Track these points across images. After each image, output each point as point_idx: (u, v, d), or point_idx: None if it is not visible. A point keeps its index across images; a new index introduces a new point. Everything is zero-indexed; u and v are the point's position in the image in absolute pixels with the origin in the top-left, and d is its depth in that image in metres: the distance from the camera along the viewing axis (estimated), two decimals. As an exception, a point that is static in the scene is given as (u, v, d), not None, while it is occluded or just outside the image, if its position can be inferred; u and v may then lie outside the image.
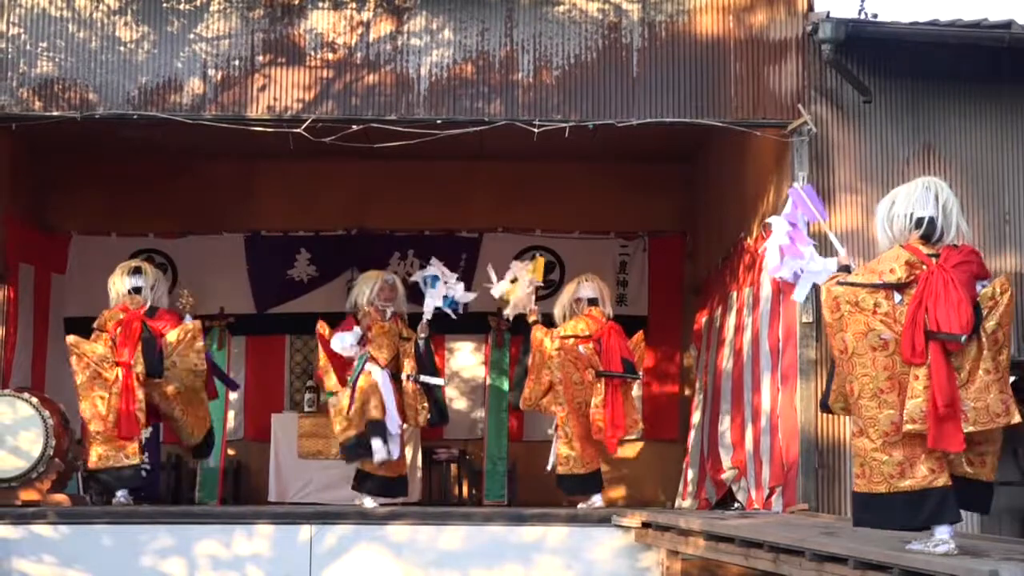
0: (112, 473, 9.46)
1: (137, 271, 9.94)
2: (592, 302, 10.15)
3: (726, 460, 10.41)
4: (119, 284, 9.86)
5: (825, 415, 8.81)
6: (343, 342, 9.80)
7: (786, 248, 7.35)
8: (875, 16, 10.03)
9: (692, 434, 11.66)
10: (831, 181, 9.24)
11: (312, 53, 9.41)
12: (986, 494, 5.92)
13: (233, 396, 12.46)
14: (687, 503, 11.19)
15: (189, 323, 9.81)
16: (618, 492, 12.42)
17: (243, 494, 12.28)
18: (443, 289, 10.39)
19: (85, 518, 8.74)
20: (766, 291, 9.71)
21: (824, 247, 7.94)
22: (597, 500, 9.94)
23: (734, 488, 10.17)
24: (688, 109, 9.41)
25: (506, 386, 11.70)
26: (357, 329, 9.78)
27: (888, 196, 6.13)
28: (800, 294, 7.96)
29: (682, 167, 13.08)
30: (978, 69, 9.30)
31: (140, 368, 9.49)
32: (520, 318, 10.54)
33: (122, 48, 9.35)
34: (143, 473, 9.72)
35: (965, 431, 5.72)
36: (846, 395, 6.00)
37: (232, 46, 9.40)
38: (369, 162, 11.15)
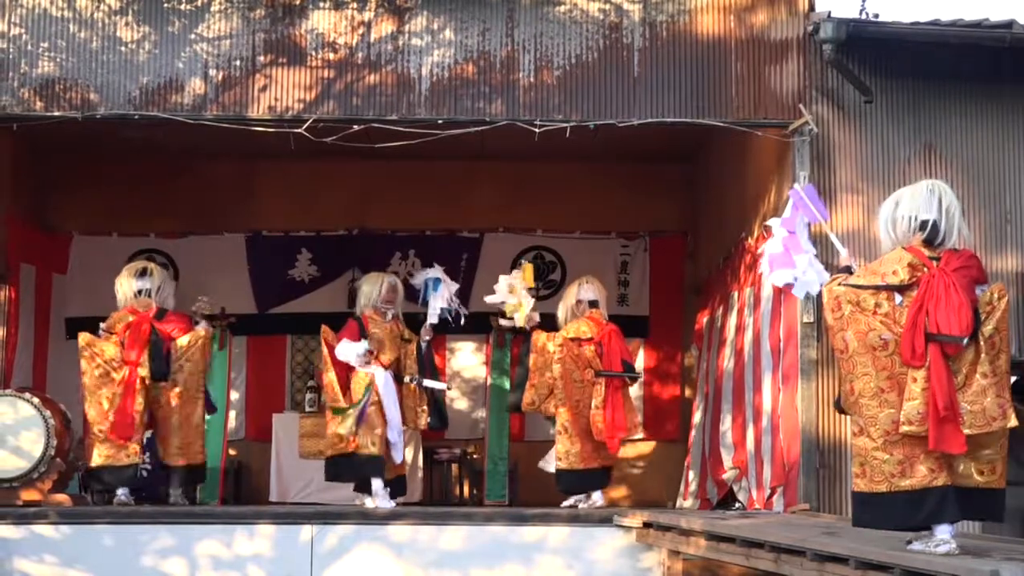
0: (112, 472, 9.47)
1: (144, 272, 9.94)
2: (593, 304, 10.17)
3: (727, 460, 10.41)
4: (126, 286, 9.87)
5: (826, 416, 8.82)
6: (350, 353, 9.70)
7: (776, 258, 7.35)
8: (876, 16, 10.04)
9: (693, 434, 11.67)
10: (832, 181, 9.24)
11: (313, 53, 9.41)
12: (999, 502, 5.91)
13: (234, 396, 12.48)
14: (688, 503, 11.19)
15: (202, 330, 9.83)
16: (619, 492, 12.42)
17: (244, 494, 12.28)
18: (446, 291, 10.39)
19: (86, 518, 8.74)
20: (767, 291, 9.71)
21: (825, 248, 7.96)
22: (598, 498, 9.94)
23: (735, 488, 10.17)
24: (689, 109, 9.41)
25: (507, 386, 11.70)
26: (365, 342, 9.72)
27: (892, 197, 6.13)
28: (800, 291, 7.96)
29: (683, 167, 13.08)
30: (979, 69, 9.30)
31: (146, 371, 9.50)
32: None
33: (123, 48, 9.35)
34: (143, 473, 9.74)
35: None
36: (847, 395, 6.01)
37: (233, 46, 9.40)
38: (370, 162, 11.15)
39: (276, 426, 12.11)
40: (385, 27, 9.44)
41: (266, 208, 13.05)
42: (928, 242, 5.96)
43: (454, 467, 12.43)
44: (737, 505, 10.09)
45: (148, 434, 9.77)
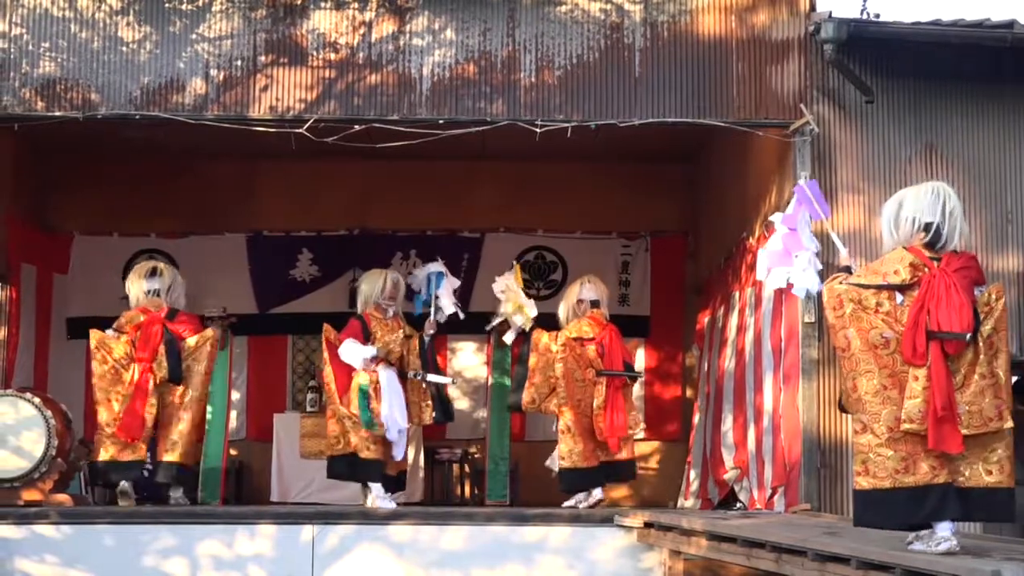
0: (117, 469, 9.51)
1: (154, 272, 9.96)
2: (594, 304, 10.18)
3: (728, 460, 10.41)
4: (136, 286, 9.88)
5: (827, 416, 8.82)
6: (356, 356, 9.68)
7: (774, 256, 7.36)
8: (877, 16, 10.06)
9: (694, 434, 11.67)
10: (833, 181, 9.23)
11: (314, 53, 9.41)
12: (1009, 501, 5.92)
13: (236, 396, 12.48)
14: (689, 503, 11.19)
15: (209, 331, 9.84)
16: (621, 492, 12.42)
17: (245, 494, 12.28)
18: (450, 285, 10.41)
19: (87, 518, 8.74)
20: (768, 291, 9.70)
21: (826, 246, 7.96)
22: (597, 493, 9.96)
23: (736, 488, 10.17)
24: (690, 109, 9.41)
25: (508, 385, 11.68)
26: (374, 349, 9.70)
27: (895, 197, 6.15)
28: (799, 292, 7.97)
29: (684, 167, 13.08)
30: (980, 69, 9.30)
31: (164, 372, 9.52)
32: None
33: (124, 48, 9.35)
34: (144, 473, 9.74)
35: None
36: (848, 393, 6.02)
37: (234, 46, 9.40)
38: (371, 162, 11.14)
39: (277, 426, 12.12)
40: (386, 27, 9.44)
41: (267, 208, 13.05)
42: (930, 244, 5.98)
43: (455, 467, 12.43)
44: (738, 505, 10.08)
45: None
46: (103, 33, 9.37)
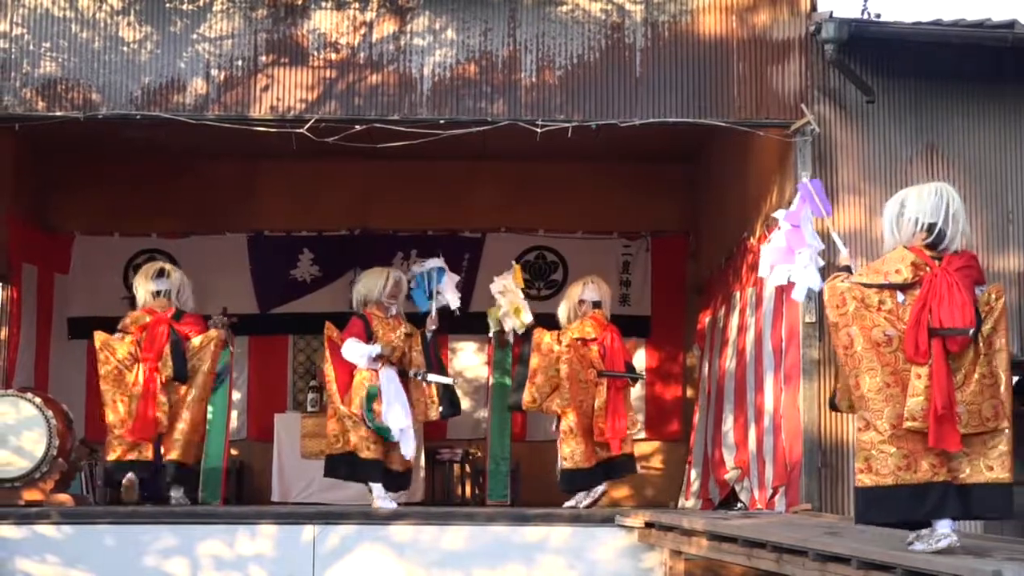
0: (122, 468, 9.52)
1: (161, 273, 9.96)
2: (596, 305, 10.18)
3: (729, 460, 10.41)
4: (143, 288, 9.89)
5: (828, 416, 8.81)
6: (359, 355, 9.67)
7: (776, 253, 7.36)
8: (878, 16, 10.04)
9: (695, 434, 11.67)
10: (834, 181, 9.23)
11: (315, 53, 9.41)
12: (1008, 496, 5.93)
13: (236, 396, 12.47)
14: (690, 503, 11.19)
15: (213, 332, 9.85)
16: (621, 492, 12.42)
17: (246, 494, 12.28)
18: (451, 280, 10.42)
19: (88, 518, 8.75)
20: (769, 291, 9.71)
21: (828, 246, 7.96)
22: (599, 488, 9.97)
23: (737, 488, 10.17)
24: (691, 109, 9.41)
25: (509, 384, 11.68)
26: (378, 347, 9.69)
27: (898, 196, 6.16)
28: (799, 293, 7.98)
29: (685, 167, 13.07)
30: (981, 69, 9.30)
31: (168, 372, 9.53)
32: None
33: (125, 48, 9.35)
34: (151, 472, 9.75)
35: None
36: (851, 391, 6.03)
37: (235, 46, 9.40)
38: (372, 162, 11.15)
39: (278, 426, 12.12)
40: (387, 27, 9.44)
41: (268, 208, 13.06)
42: (932, 245, 6.00)
43: (456, 467, 12.42)
44: (739, 505, 10.08)
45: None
46: (104, 33, 9.37)
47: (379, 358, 9.66)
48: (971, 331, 5.82)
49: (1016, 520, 9.31)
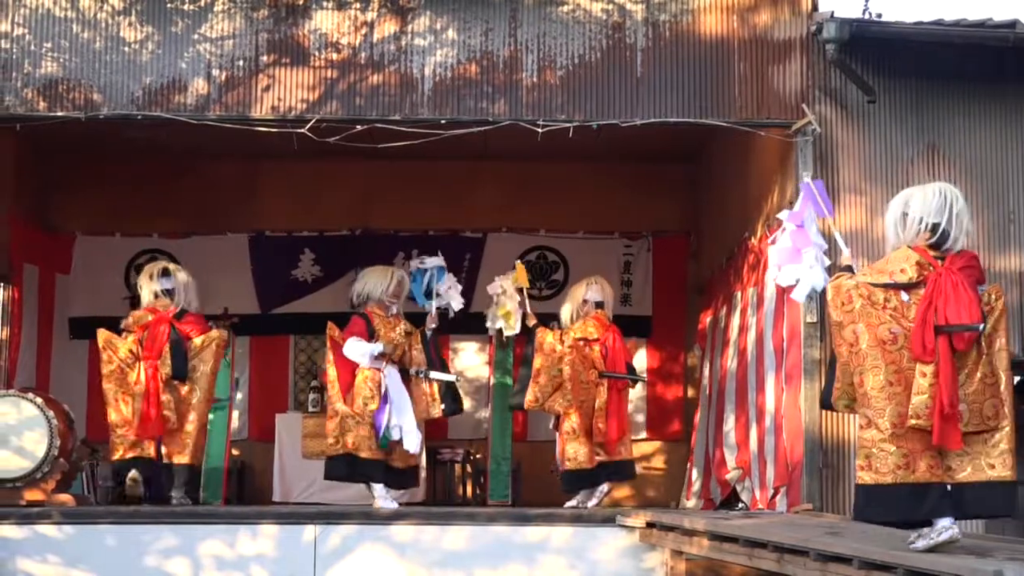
0: (126, 467, 9.54)
1: (165, 273, 9.96)
2: (598, 305, 10.19)
3: (730, 460, 10.41)
4: (146, 287, 9.88)
5: (829, 415, 8.81)
6: (362, 353, 9.66)
7: (784, 253, 7.37)
8: (879, 16, 10.05)
9: (696, 434, 11.66)
10: (835, 181, 9.22)
11: (316, 53, 9.41)
12: (1010, 494, 5.94)
13: (238, 396, 12.48)
14: (691, 503, 11.19)
15: (215, 332, 9.85)
16: (622, 492, 12.42)
17: (247, 494, 12.28)
18: (451, 280, 10.43)
19: (89, 518, 8.74)
20: (770, 291, 9.71)
21: (830, 246, 7.97)
22: (604, 487, 9.98)
23: (738, 488, 10.17)
24: (692, 109, 9.40)
25: (511, 384, 11.69)
26: (380, 345, 9.69)
27: (901, 196, 6.16)
28: (800, 294, 7.99)
29: (686, 167, 13.07)
30: (983, 69, 9.29)
31: (167, 370, 9.53)
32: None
33: (126, 48, 9.35)
34: (153, 470, 9.76)
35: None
36: (853, 389, 6.04)
37: (236, 46, 9.40)
38: (373, 162, 11.15)
39: (279, 426, 12.12)
40: (388, 27, 9.44)
41: (269, 208, 13.06)
42: (935, 245, 6.01)
43: (457, 467, 12.42)
44: (740, 505, 10.08)
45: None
46: (105, 33, 9.37)
47: (381, 356, 9.66)
48: (980, 326, 5.84)
49: (1017, 520, 9.32)
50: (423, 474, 11.76)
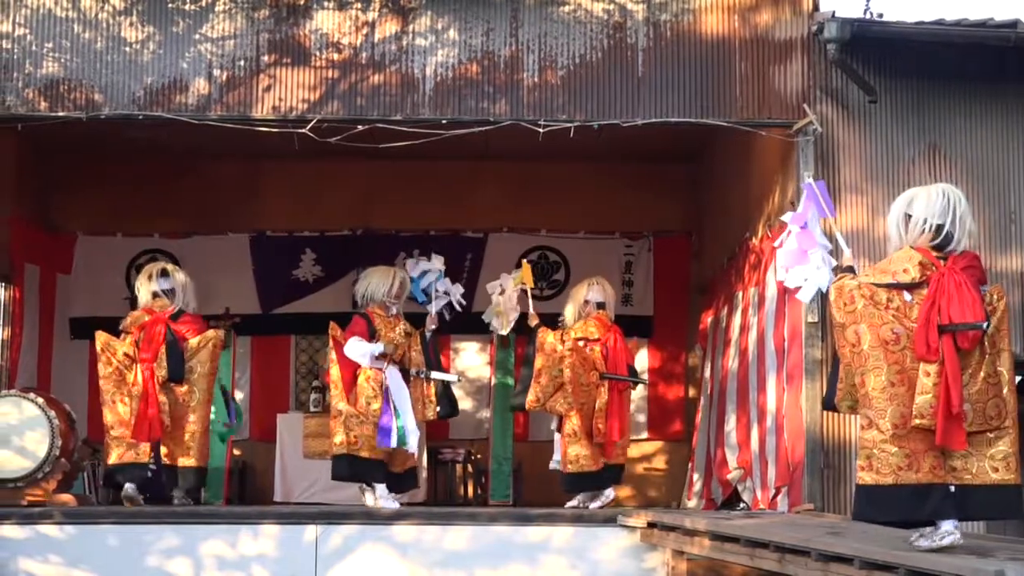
0: (124, 471, 9.50)
1: (164, 274, 9.94)
2: (600, 306, 10.20)
3: (732, 460, 10.41)
4: (144, 287, 9.88)
5: (830, 415, 8.81)
6: (363, 353, 9.65)
7: (791, 255, 7.37)
8: (880, 16, 10.02)
9: (697, 434, 11.66)
10: (836, 181, 9.22)
11: (317, 53, 9.41)
12: (1015, 498, 5.94)
13: (239, 396, 12.49)
14: (693, 503, 11.19)
15: (211, 332, 9.84)
16: (624, 492, 12.42)
17: (248, 494, 12.29)
18: (448, 283, 10.45)
19: (91, 518, 8.74)
20: (771, 291, 9.71)
21: (833, 247, 7.97)
22: (609, 493, 9.98)
23: (739, 488, 10.17)
24: (693, 109, 9.41)
25: (512, 384, 11.69)
26: (381, 345, 9.68)
27: (904, 196, 6.16)
28: (806, 294, 7.99)
29: (687, 167, 13.08)
30: (984, 69, 9.29)
31: (163, 371, 9.51)
32: (522, 319, 10.61)
33: (127, 48, 9.36)
34: (148, 474, 9.74)
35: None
36: (855, 390, 6.04)
37: (237, 46, 9.40)
38: (374, 162, 11.16)
39: (280, 426, 12.12)
40: (389, 27, 9.44)
41: (270, 208, 13.07)
42: (938, 246, 6.01)
43: (458, 467, 12.43)
44: (741, 505, 10.08)
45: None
46: (106, 33, 9.37)
47: (382, 356, 9.66)
48: (984, 325, 5.84)
49: (1019, 520, 9.32)
50: (424, 474, 11.79)
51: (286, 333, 13.11)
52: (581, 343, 10.01)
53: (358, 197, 13.07)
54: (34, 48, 9.33)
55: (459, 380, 10.83)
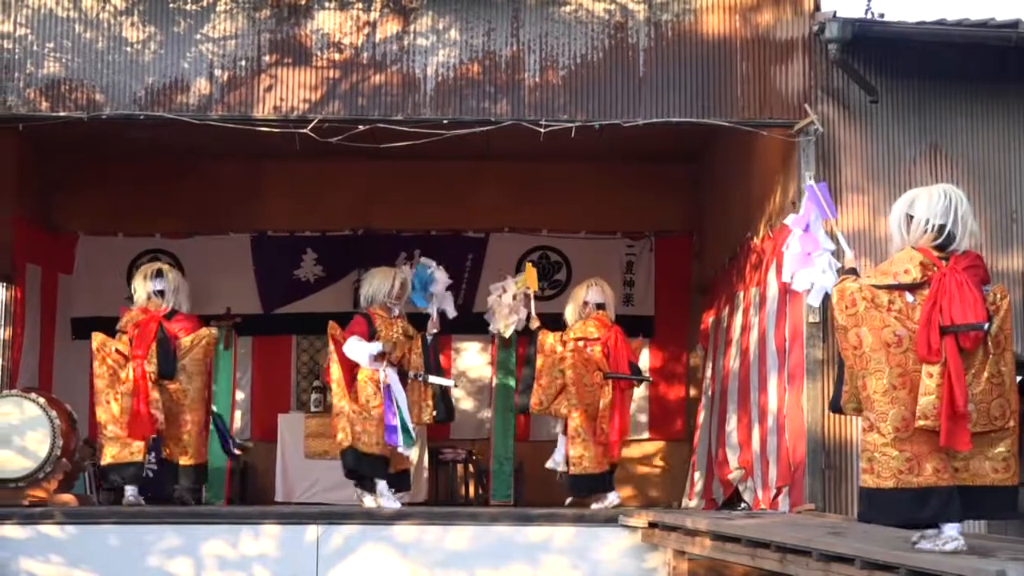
0: (118, 470, 9.49)
1: (159, 274, 9.95)
2: (599, 307, 10.20)
3: (733, 460, 10.40)
4: (140, 287, 9.88)
5: (831, 416, 8.81)
6: (361, 352, 9.64)
7: (795, 259, 7.37)
8: (882, 15, 10.02)
9: (698, 434, 11.66)
10: (838, 181, 9.22)
11: (318, 53, 9.41)
12: (1013, 499, 5.95)
13: (240, 396, 12.49)
14: (694, 503, 11.19)
15: (204, 330, 9.84)
16: (625, 492, 12.42)
17: (249, 494, 12.28)
18: (443, 285, 10.46)
19: (92, 518, 8.75)
20: (773, 291, 9.71)
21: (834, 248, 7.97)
22: (614, 498, 9.97)
23: (741, 488, 10.17)
24: (694, 109, 9.40)
25: (513, 385, 11.69)
26: (380, 344, 9.68)
27: (906, 196, 6.15)
28: (815, 298, 7.99)
29: (688, 167, 13.07)
30: (985, 69, 9.29)
31: (153, 368, 9.51)
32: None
33: (129, 48, 9.36)
34: (148, 473, 9.74)
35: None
36: (858, 392, 6.03)
37: (238, 46, 9.40)
38: (375, 162, 11.16)
39: (281, 426, 12.13)
40: (390, 27, 9.44)
41: (271, 208, 13.07)
42: (940, 247, 6.01)
43: (459, 467, 12.43)
44: (743, 505, 10.08)
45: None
46: (107, 33, 9.37)
47: (380, 356, 9.66)
48: (986, 325, 5.83)
49: (1020, 520, 9.31)
50: (425, 474, 11.80)
51: (287, 333, 13.11)
52: (581, 343, 10.02)
53: (359, 197, 13.07)
54: (35, 48, 9.33)
55: (455, 385, 10.82)
